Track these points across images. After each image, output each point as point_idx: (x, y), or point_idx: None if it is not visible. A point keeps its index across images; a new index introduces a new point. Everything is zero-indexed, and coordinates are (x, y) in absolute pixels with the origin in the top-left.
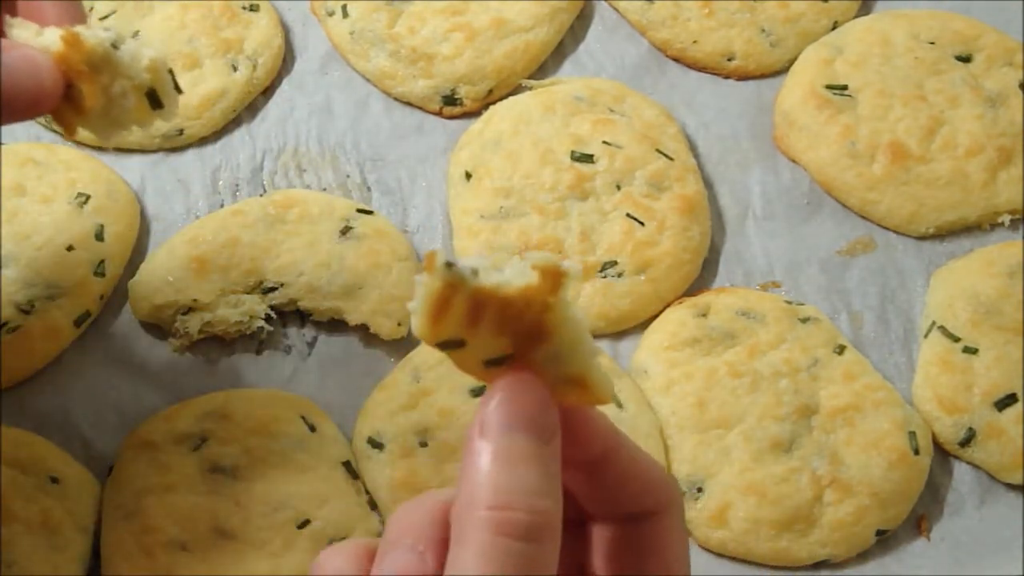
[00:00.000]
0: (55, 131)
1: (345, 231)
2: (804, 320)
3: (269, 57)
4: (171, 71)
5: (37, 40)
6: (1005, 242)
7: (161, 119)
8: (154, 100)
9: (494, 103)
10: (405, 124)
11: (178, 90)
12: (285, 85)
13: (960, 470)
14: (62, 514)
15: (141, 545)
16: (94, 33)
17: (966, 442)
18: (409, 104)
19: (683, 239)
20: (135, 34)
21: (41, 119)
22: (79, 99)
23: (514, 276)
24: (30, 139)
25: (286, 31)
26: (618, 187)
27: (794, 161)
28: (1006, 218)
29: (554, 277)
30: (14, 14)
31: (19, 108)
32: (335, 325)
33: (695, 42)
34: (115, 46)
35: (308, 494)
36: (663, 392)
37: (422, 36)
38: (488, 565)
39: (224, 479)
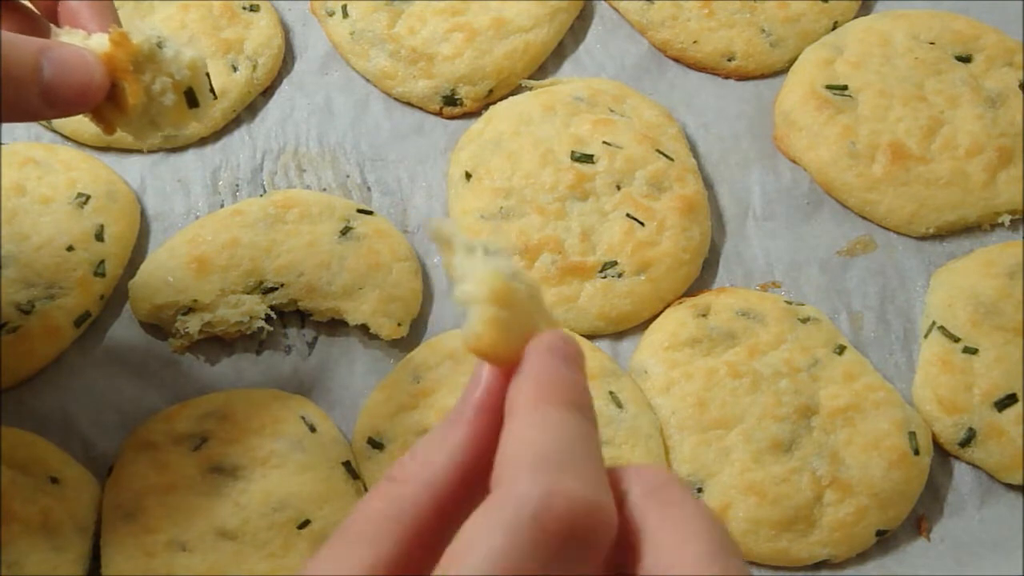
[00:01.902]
0: (56, 131)
1: (345, 231)
2: (804, 320)
3: (269, 57)
4: (208, 74)
5: (85, 44)
6: (1005, 242)
7: (196, 119)
8: (191, 99)
9: (494, 103)
10: (405, 124)
11: (213, 93)
12: (285, 85)
13: (960, 470)
14: (62, 514)
15: (141, 545)
16: (141, 32)
17: (966, 442)
18: (409, 104)
19: (683, 239)
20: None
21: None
22: (121, 98)
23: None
24: (30, 139)
25: (286, 31)
26: (618, 187)
27: (794, 161)
28: (1006, 218)
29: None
30: (58, 23)
31: (68, 102)
32: (335, 325)
33: (695, 42)
34: (160, 45)
35: (308, 494)
36: (663, 392)
37: (422, 36)
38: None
39: (224, 479)
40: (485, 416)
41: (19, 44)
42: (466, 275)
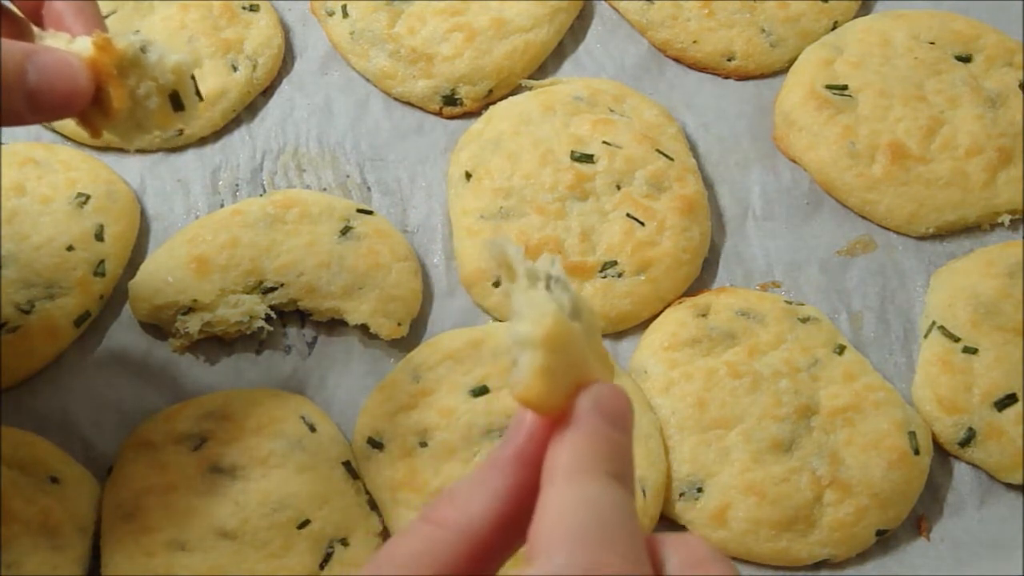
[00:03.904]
0: (56, 131)
1: (345, 231)
2: (804, 320)
3: (269, 57)
4: (194, 77)
5: (69, 47)
6: (1005, 242)
7: (182, 122)
8: (176, 102)
9: (494, 103)
10: (405, 124)
11: (199, 96)
12: (285, 85)
13: (960, 470)
14: (62, 514)
15: (141, 545)
16: (124, 37)
17: (966, 442)
18: (409, 104)
19: (683, 239)
20: (135, 34)
21: None
22: (106, 102)
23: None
24: (30, 139)
25: (286, 31)
26: (618, 187)
27: (794, 161)
28: (1006, 218)
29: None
30: (42, 25)
31: (54, 107)
32: (335, 325)
33: (695, 42)
34: (143, 50)
35: (308, 494)
36: (663, 392)
37: (422, 36)
38: None
39: (224, 479)
40: (526, 467)
41: (5, 49)
42: (523, 312)
